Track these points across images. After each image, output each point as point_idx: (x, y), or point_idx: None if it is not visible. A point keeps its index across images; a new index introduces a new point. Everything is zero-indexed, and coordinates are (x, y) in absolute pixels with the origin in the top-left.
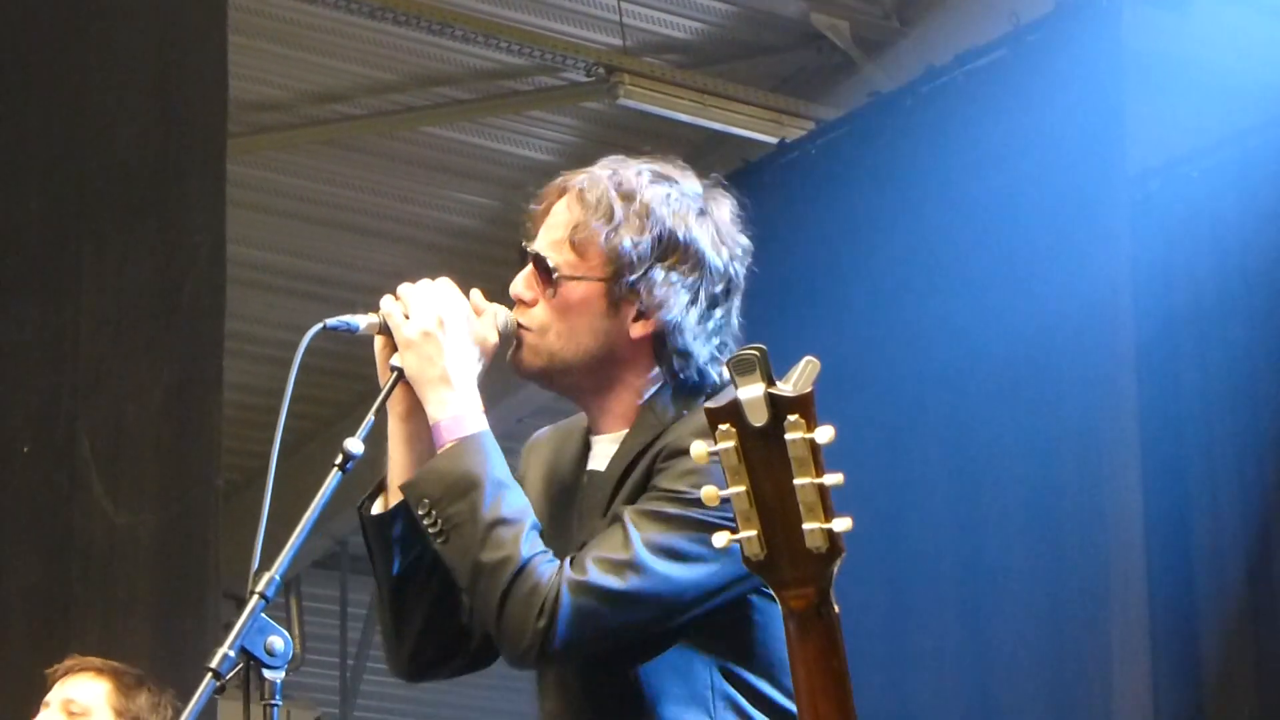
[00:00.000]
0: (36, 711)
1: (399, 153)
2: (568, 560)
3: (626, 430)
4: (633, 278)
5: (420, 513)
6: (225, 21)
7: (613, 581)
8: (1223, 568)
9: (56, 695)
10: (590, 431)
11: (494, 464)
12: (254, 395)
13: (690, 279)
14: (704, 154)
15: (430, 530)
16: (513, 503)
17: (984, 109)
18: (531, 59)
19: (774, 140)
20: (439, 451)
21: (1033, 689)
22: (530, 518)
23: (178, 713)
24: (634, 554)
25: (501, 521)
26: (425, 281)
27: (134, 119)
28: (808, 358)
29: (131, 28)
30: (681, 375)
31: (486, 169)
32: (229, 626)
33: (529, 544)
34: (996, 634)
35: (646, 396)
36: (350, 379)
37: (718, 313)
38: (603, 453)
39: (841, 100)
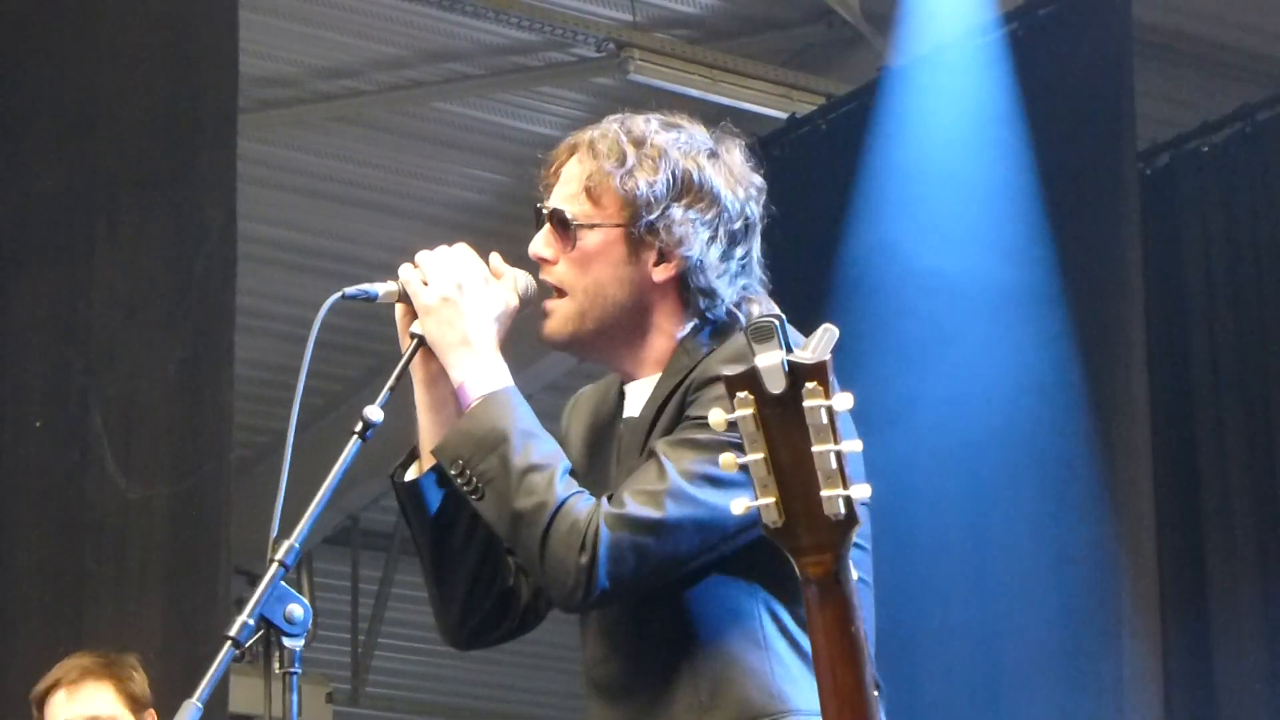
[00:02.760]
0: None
1: (410, 128)
2: (604, 497)
3: (660, 374)
4: (651, 218)
5: (454, 473)
6: None
7: (651, 511)
8: (1232, 532)
9: (72, 712)
10: (624, 382)
11: (520, 415)
12: (265, 370)
13: (708, 216)
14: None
15: (465, 489)
16: (543, 449)
17: (994, 84)
18: (542, 34)
19: (784, 115)
20: (465, 412)
21: (1043, 663)
22: (563, 461)
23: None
24: (671, 483)
25: (533, 468)
26: (443, 248)
27: (146, 95)
28: (825, 325)
29: (143, 3)
30: (710, 315)
31: (497, 145)
32: (240, 602)
33: (563, 485)
34: (1005, 608)
35: (678, 340)
36: (361, 354)
37: (739, 251)
38: (637, 398)
39: (851, 75)
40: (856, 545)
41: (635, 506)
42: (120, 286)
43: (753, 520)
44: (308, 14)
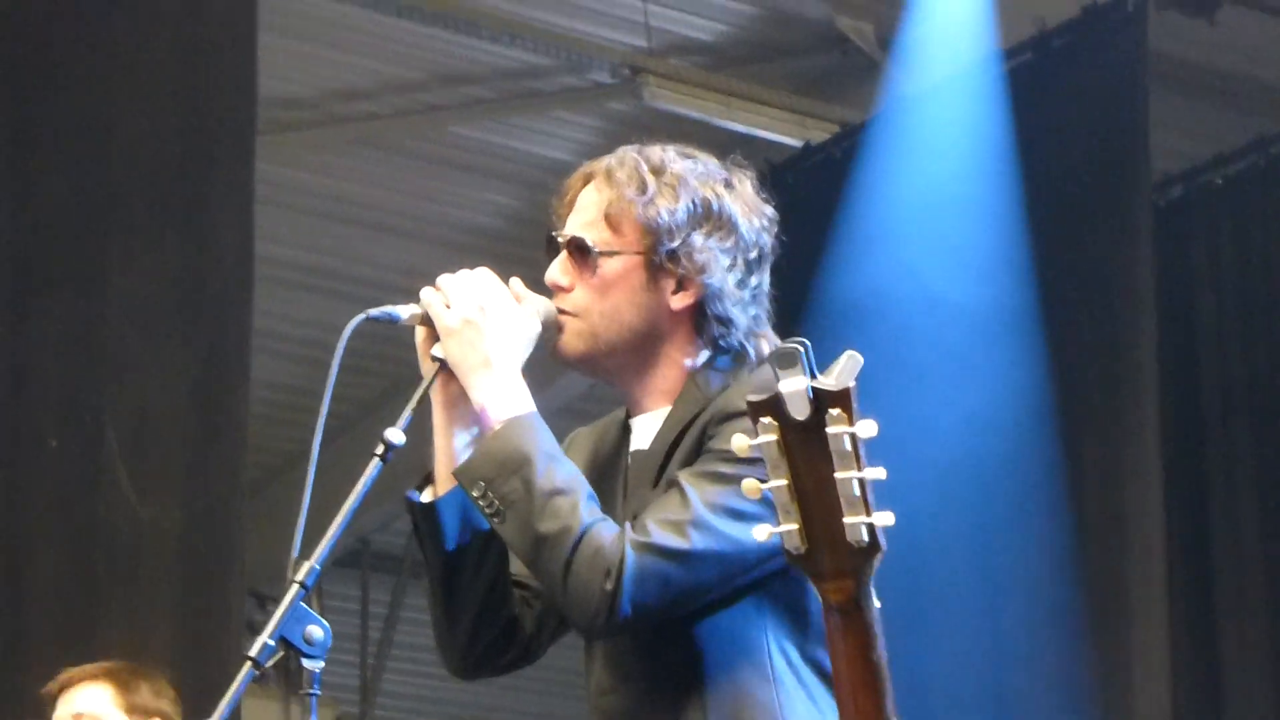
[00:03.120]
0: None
1: (424, 152)
2: (628, 524)
3: (669, 406)
4: (672, 245)
5: (475, 495)
6: (255, 18)
7: (676, 540)
8: (1242, 561)
9: (64, 712)
10: (630, 415)
11: (543, 439)
12: (278, 392)
13: (727, 244)
14: (728, 156)
15: (486, 511)
16: (566, 473)
17: (1007, 113)
18: (557, 59)
19: (798, 143)
20: (487, 434)
21: (1051, 690)
22: (585, 487)
23: (174, 698)
24: (694, 513)
25: (557, 492)
26: (465, 271)
27: (163, 116)
28: (849, 352)
29: (161, 24)
30: (723, 344)
31: (511, 169)
32: (252, 623)
33: (587, 511)
34: (1013, 635)
35: (689, 371)
36: (375, 376)
37: (753, 280)
38: (645, 431)
39: (866, 103)
40: None
41: (660, 535)
42: (136, 306)
43: (770, 554)
44: (325, 37)
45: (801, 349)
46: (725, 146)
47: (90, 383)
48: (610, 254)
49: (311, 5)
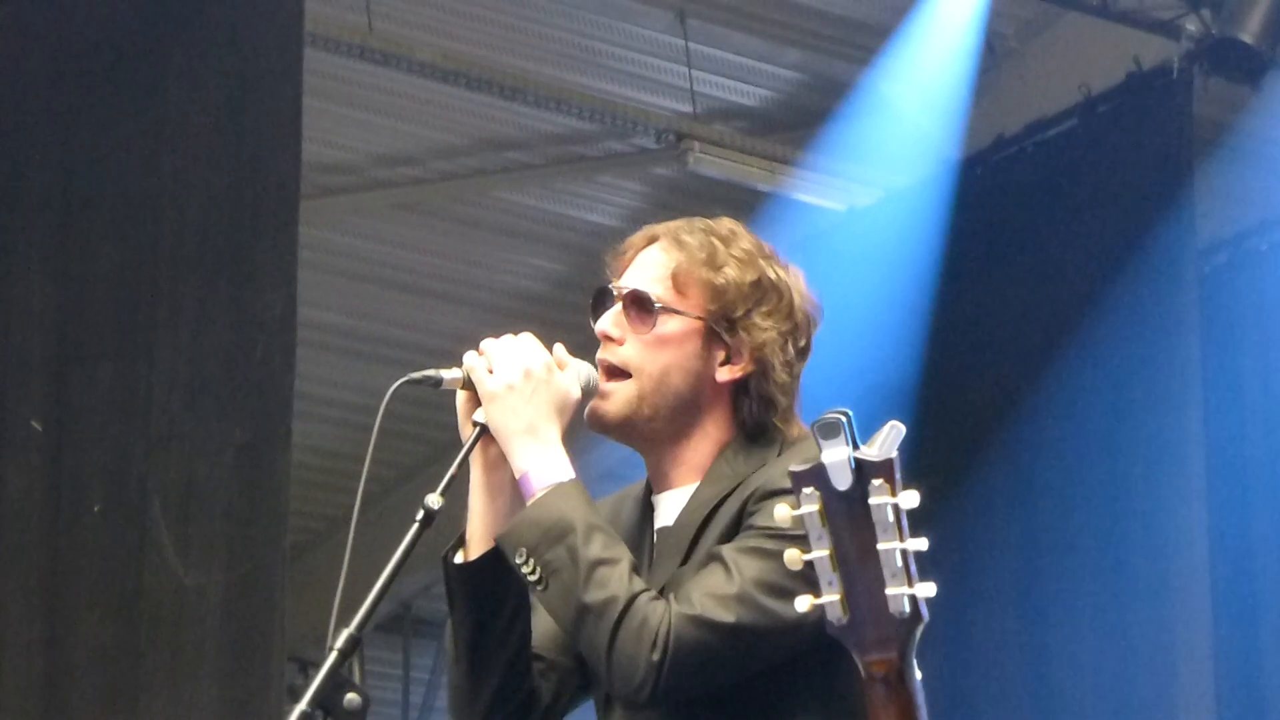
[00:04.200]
0: None
1: (469, 216)
2: (672, 595)
3: (697, 483)
4: (734, 317)
5: (518, 561)
6: (300, 84)
7: (722, 614)
8: None
9: None
10: (653, 491)
11: (586, 507)
12: (319, 457)
13: (784, 326)
14: (773, 220)
15: (530, 578)
16: (610, 543)
17: (1053, 178)
18: (601, 124)
19: (843, 208)
20: (529, 501)
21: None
22: (628, 556)
23: None
24: (739, 588)
25: (602, 562)
26: (508, 336)
27: (208, 180)
28: (892, 422)
29: (206, 89)
30: (756, 426)
31: (555, 234)
32: (293, 688)
33: (633, 582)
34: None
35: (720, 447)
36: (416, 441)
37: (798, 366)
38: (670, 508)
39: (910, 169)
40: None
41: (706, 608)
42: (180, 371)
43: (811, 631)
44: (370, 101)
45: (844, 419)
46: (770, 211)
47: (134, 449)
48: (672, 312)
49: (356, 70)
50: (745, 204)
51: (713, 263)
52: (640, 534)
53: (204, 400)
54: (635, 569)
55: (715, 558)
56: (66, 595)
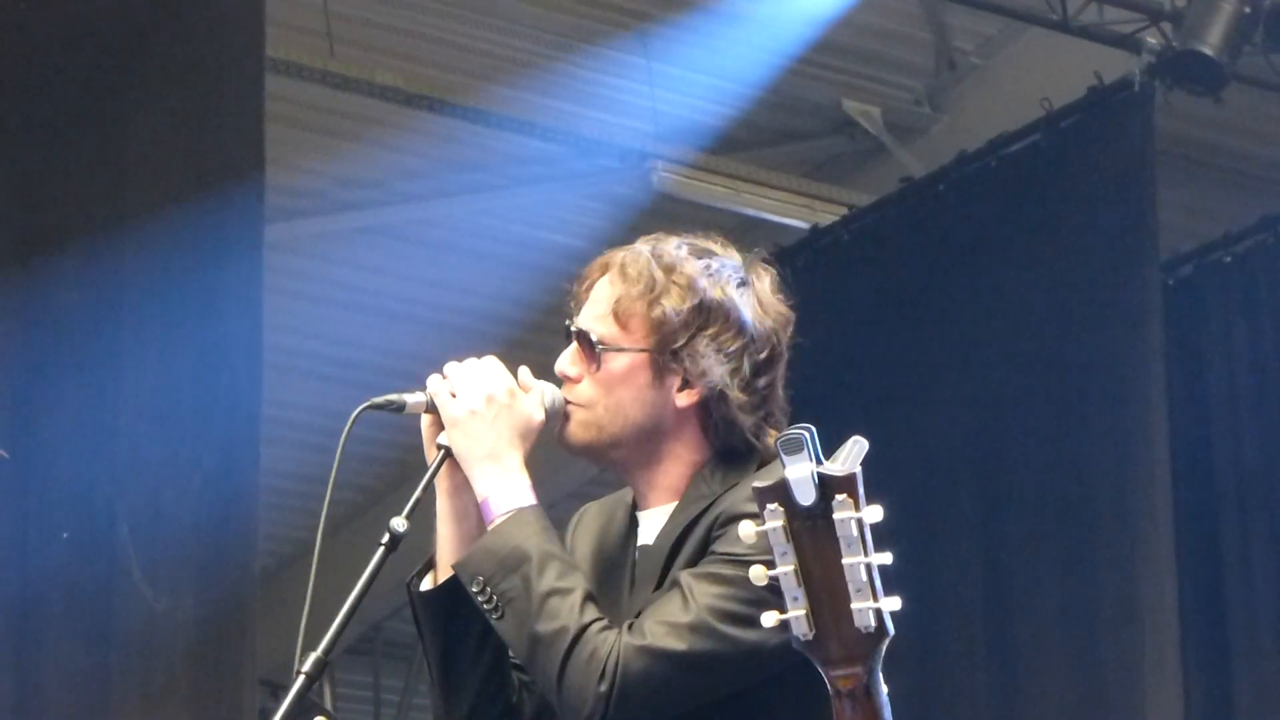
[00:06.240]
0: None
1: (432, 239)
2: (626, 625)
3: (675, 503)
4: (676, 346)
5: (474, 590)
6: (262, 109)
7: (674, 644)
8: (1259, 646)
9: None
10: (636, 507)
11: (544, 537)
12: (287, 481)
13: (733, 347)
14: (737, 240)
15: (485, 607)
16: (565, 573)
17: (1017, 194)
18: (564, 145)
19: (807, 226)
20: (488, 528)
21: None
22: (584, 585)
23: None
24: (694, 616)
25: (555, 592)
26: (472, 360)
27: (172, 205)
28: (855, 438)
29: (168, 115)
30: (728, 445)
31: (519, 255)
32: (264, 712)
33: (585, 612)
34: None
35: (695, 469)
36: (384, 464)
37: (762, 382)
38: (651, 527)
39: (874, 186)
40: None
41: (658, 637)
42: (146, 397)
43: (771, 654)
44: (332, 126)
45: (806, 434)
46: (734, 231)
47: (102, 475)
48: (616, 350)
49: (319, 94)
50: (710, 224)
51: (650, 293)
52: (624, 549)
53: (171, 426)
54: (590, 598)
55: (675, 584)
56: (36, 622)
